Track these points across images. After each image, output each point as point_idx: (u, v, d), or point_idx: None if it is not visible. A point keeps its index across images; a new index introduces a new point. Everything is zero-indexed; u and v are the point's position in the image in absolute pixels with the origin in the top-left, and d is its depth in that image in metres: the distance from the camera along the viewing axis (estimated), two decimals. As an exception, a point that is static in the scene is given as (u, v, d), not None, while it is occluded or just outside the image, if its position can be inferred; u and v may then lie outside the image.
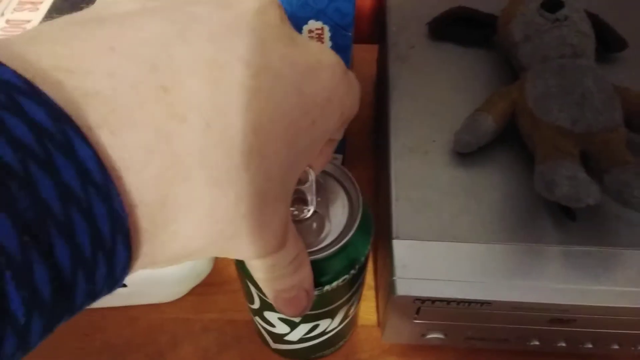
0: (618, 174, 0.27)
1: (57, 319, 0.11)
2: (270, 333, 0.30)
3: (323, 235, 0.23)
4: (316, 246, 0.22)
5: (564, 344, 0.31)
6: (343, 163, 0.41)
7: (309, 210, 0.23)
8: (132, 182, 0.12)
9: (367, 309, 0.36)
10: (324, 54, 0.16)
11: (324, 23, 0.30)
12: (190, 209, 0.13)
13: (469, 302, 0.27)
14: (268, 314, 0.27)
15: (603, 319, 0.28)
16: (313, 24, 0.30)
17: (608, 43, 0.36)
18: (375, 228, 0.38)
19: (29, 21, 0.39)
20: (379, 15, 0.46)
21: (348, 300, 0.27)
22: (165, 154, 0.12)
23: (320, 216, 0.24)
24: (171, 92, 0.12)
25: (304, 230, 0.23)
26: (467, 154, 0.32)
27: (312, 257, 0.22)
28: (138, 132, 0.12)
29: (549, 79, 0.30)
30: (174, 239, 0.13)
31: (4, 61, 0.11)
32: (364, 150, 0.45)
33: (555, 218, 0.30)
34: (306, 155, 0.16)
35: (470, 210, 0.30)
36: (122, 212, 0.12)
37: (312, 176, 0.22)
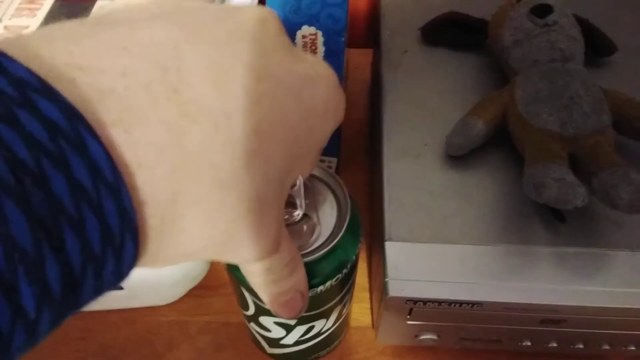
0: (606, 176, 0.27)
1: (65, 313, 0.11)
2: (265, 338, 0.30)
3: (313, 238, 0.23)
4: (307, 249, 0.23)
5: (555, 345, 0.32)
6: (338, 166, 0.42)
7: (298, 214, 0.24)
8: (142, 179, 0.12)
9: (362, 310, 0.36)
10: (320, 66, 0.17)
11: (317, 28, 0.31)
12: (196, 208, 0.13)
13: (461, 302, 0.28)
14: (263, 319, 0.28)
15: (593, 320, 0.29)
16: (306, 30, 0.31)
17: (598, 47, 0.36)
18: (368, 230, 0.38)
19: (26, 27, 0.39)
20: (373, 19, 0.46)
21: (341, 300, 0.27)
22: (175, 153, 0.13)
23: (310, 219, 0.24)
24: (181, 93, 0.13)
25: (295, 233, 0.24)
26: (458, 157, 0.33)
27: (304, 260, 0.22)
28: (150, 130, 0.12)
29: (538, 82, 0.31)
30: (179, 237, 0.14)
31: (18, 58, 0.11)
32: (358, 153, 0.45)
33: (545, 220, 0.30)
34: (302, 161, 0.17)
35: (461, 212, 0.30)
36: (132, 209, 0.12)
37: (299, 180, 0.22)
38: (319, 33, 0.31)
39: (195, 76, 0.13)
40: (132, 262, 0.13)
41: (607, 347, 0.31)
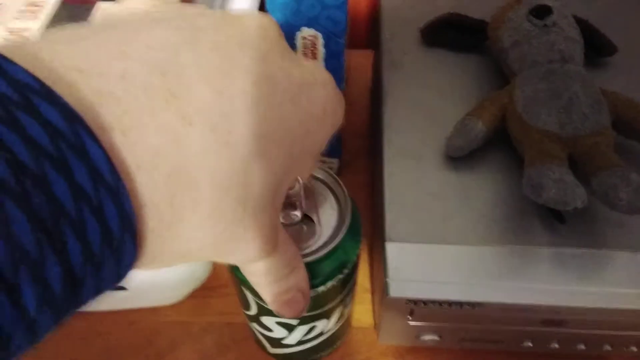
0: (605, 176, 0.27)
1: (65, 313, 0.11)
2: (268, 338, 0.30)
3: (314, 238, 0.24)
4: (308, 249, 0.23)
5: (556, 345, 0.32)
6: (339, 167, 0.42)
7: (297, 215, 0.24)
8: (142, 182, 0.12)
9: (364, 311, 0.37)
10: (318, 71, 0.17)
11: (317, 30, 0.31)
12: (195, 210, 0.14)
13: (461, 303, 0.28)
14: (265, 319, 0.28)
15: (594, 320, 0.29)
16: (306, 31, 0.31)
17: (597, 48, 0.36)
18: (369, 230, 0.38)
19: (28, 29, 0.39)
20: (374, 21, 0.46)
21: (342, 301, 0.28)
22: (174, 156, 0.13)
23: (311, 220, 0.24)
24: (179, 96, 0.13)
25: (295, 234, 0.24)
26: (458, 157, 0.33)
27: (305, 260, 0.22)
28: (149, 133, 0.12)
29: (538, 84, 0.31)
30: (177, 238, 0.14)
31: (18, 61, 0.11)
32: (360, 154, 0.45)
33: (545, 220, 0.30)
34: (299, 164, 0.17)
35: (461, 213, 0.31)
36: (131, 211, 0.12)
37: (299, 183, 0.23)
38: (319, 35, 0.31)
39: (194, 80, 0.13)
40: (131, 263, 0.13)
41: (608, 347, 0.31)
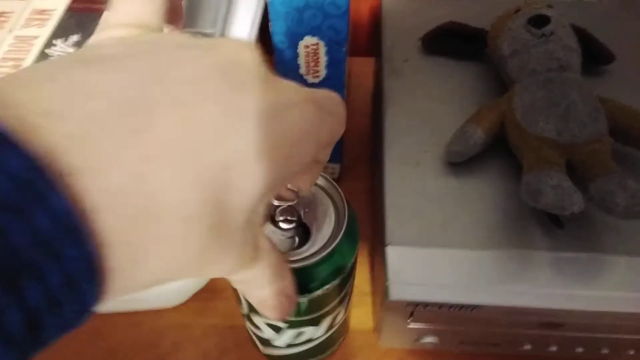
0: (602, 183, 0.28)
1: (30, 353, 0.11)
2: (259, 337, 0.31)
3: (310, 243, 0.24)
4: (304, 254, 0.23)
5: (555, 349, 0.32)
6: (340, 173, 0.42)
7: (294, 221, 0.24)
8: (105, 223, 0.12)
9: (364, 315, 0.37)
10: (296, 93, 0.17)
11: (320, 39, 0.32)
12: (162, 245, 0.14)
13: (460, 306, 0.28)
14: (255, 318, 0.28)
15: (592, 324, 0.29)
16: (309, 40, 0.32)
17: (595, 56, 0.37)
18: (369, 235, 0.39)
19: (36, 37, 0.40)
20: (375, 29, 0.47)
21: (333, 310, 0.28)
22: (139, 195, 0.13)
23: (308, 225, 0.25)
24: (145, 134, 0.13)
25: (292, 238, 0.24)
26: (458, 163, 0.33)
27: (301, 264, 0.23)
28: (113, 174, 0.12)
29: (536, 92, 0.32)
30: (147, 270, 0.14)
31: None
32: (361, 160, 0.46)
33: (543, 225, 0.31)
34: (278, 186, 0.17)
35: (461, 218, 0.31)
36: (94, 252, 0.12)
37: (299, 194, 0.23)
38: (321, 43, 0.32)
39: (161, 116, 0.13)
40: (95, 301, 0.13)
41: (606, 351, 0.32)
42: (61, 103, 0.12)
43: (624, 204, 0.27)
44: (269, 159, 0.15)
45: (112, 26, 0.17)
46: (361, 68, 0.51)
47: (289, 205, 0.24)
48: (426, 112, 0.37)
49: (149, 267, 0.14)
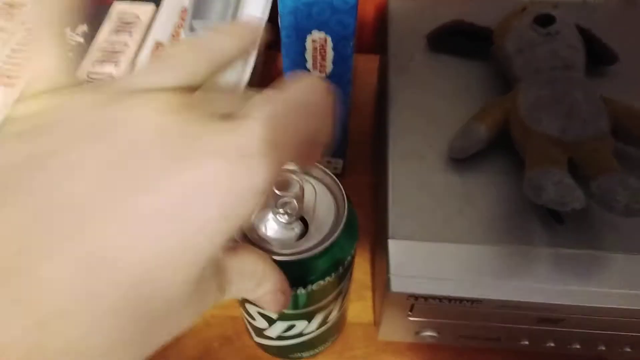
0: (604, 181, 0.28)
1: None
2: (252, 326, 0.31)
3: (309, 236, 0.24)
4: (302, 246, 0.24)
5: (552, 344, 0.33)
6: (344, 168, 0.43)
7: (295, 214, 0.24)
8: None
9: (364, 308, 0.37)
10: (214, 155, 0.14)
11: (327, 34, 0.32)
12: None
13: (461, 299, 0.29)
14: (249, 306, 0.28)
15: (589, 319, 0.30)
16: (316, 34, 0.32)
17: (599, 56, 0.37)
18: (371, 229, 0.39)
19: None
20: (381, 27, 0.47)
21: (327, 306, 0.28)
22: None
23: (308, 218, 0.25)
24: (34, 294, 0.12)
25: (292, 230, 0.25)
26: (461, 160, 0.34)
27: (299, 257, 0.23)
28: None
29: (540, 90, 0.32)
30: None
31: None
32: (364, 155, 0.46)
33: (544, 221, 0.31)
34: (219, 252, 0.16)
35: (463, 213, 0.31)
36: None
37: (297, 185, 0.24)
38: (329, 38, 0.32)
39: (51, 263, 0.13)
40: None
41: (602, 347, 0.32)
42: None
43: (624, 202, 0.27)
44: (185, 260, 0.14)
45: (28, 97, 0.16)
46: (365, 65, 0.52)
47: (290, 197, 0.24)
48: (431, 109, 0.37)
49: None
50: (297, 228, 0.25)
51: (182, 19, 0.39)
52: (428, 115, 0.37)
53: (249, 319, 0.30)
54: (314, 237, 0.24)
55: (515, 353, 0.34)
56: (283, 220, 0.24)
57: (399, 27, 0.43)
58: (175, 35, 0.38)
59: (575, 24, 0.35)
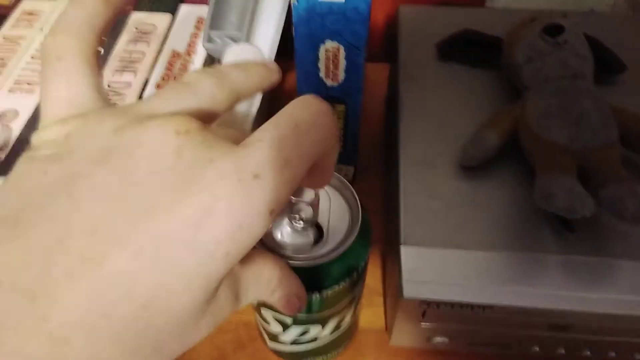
0: (613, 188, 0.28)
1: None
2: (266, 331, 0.32)
3: (324, 242, 0.25)
4: (317, 252, 0.24)
5: (563, 351, 0.33)
6: (354, 174, 0.43)
7: (310, 220, 0.25)
8: None
9: (375, 314, 0.38)
10: (215, 186, 0.14)
11: (339, 43, 0.33)
12: None
13: (473, 305, 0.29)
14: (264, 311, 0.29)
15: (600, 326, 0.30)
16: (329, 44, 0.33)
17: (607, 65, 0.38)
18: (382, 236, 0.39)
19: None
20: (391, 35, 0.48)
21: (341, 311, 0.28)
22: None
23: (322, 225, 0.25)
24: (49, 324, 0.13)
25: (306, 236, 0.25)
26: (472, 167, 0.34)
27: (313, 263, 0.23)
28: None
29: (549, 99, 0.32)
30: None
31: None
32: (374, 162, 0.47)
33: (554, 229, 0.31)
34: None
35: (474, 220, 0.32)
36: None
37: (312, 192, 0.24)
38: (341, 47, 0.33)
39: (64, 289, 0.13)
40: None
41: (613, 354, 0.32)
42: None
43: (633, 210, 0.27)
44: (197, 283, 0.15)
45: (45, 127, 0.17)
46: (374, 73, 0.52)
47: (305, 204, 0.25)
48: (441, 117, 0.38)
49: None
50: (312, 234, 0.25)
51: (198, 29, 0.40)
52: (438, 123, 0.37)
53: (264, 324, 0.31)
54: (329, 243, 0.25)
55: None
56: (298, 226, 0.25)
57: (409, 36, 0.44)
58: (191, 45, 0.39)
59: (583, 33, 0.36)
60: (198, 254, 0.14)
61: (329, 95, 0.36)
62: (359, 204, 0.26)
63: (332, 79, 0.35)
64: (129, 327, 0.14)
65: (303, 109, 0.17)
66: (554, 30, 0.35)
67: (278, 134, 0.16)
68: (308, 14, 0.31)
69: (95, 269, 0.13)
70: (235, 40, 0.35)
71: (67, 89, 0.17)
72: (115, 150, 0.15)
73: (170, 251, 0.14)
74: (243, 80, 0.19)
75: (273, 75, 0.20)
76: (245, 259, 0.18)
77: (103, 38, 0.20)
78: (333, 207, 0.26)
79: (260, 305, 0.29)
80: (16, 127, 0.35)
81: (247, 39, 0.36)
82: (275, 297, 0.20)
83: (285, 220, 0.25)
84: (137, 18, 0.41)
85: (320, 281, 0.25)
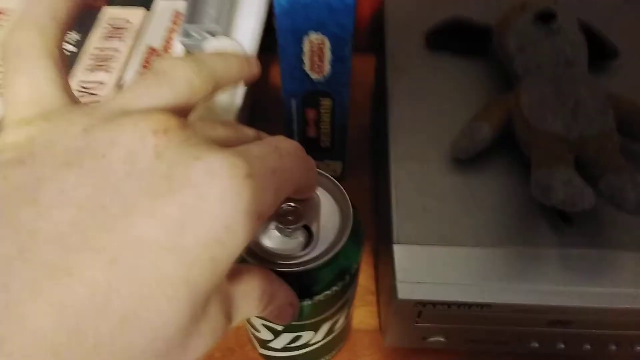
0: (612, 178, 0.28)
1: None
2: (256, 338, 0.31)
3: (313, 245, 0.23)
4: (307, 257, 0.23)
5: (562, 346, 0.32)
6: (343, 170, 0.42)
7: (299, 222, 0.23)
8: None
9: (369, 313, 0.37)
10: (200, 203, 0.13)
11: (324, 35, 0.31)
12: None
13: (470, 304, 0.28)
14: (253, 319, 0.28)
15: (600, 320, 0.29)
16: (314, 36, 0.31)
17: (601, 51, 0.37)
18: (373, 234, 0.38)
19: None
20: (377, 25, 0.47)
21: (333, 315, 0.27)
22: None
23: (312, 227, 0.24)
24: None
25: (296, 239, 0.24)
26: (464, 160, 0.33)
27: (304, 268, 0.22)
28: None
29: (543, 87, 0.31)
30: None
31: None
32: (362, 158, 0.45)
33: (552, 222, 0.30)
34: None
35: (469, 215, 0.31)
36: None
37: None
38: (326, 39, 0.32)
39: (35, 302, 0.12)
40: None
41: (613, 347, 0.32)
42: None
43: (634, 199, 0.27)
44: (183, 292, 0.13)
45: (7, 128, 0.16)
46: (360, 65, 0.51)
47: (293, 206, 0.24)
48: (431, 109, 0.36)
49: None
50: (301, 236, 0.24)
51: (175, 23, 0.38)
52: (428, 115, 0.36)
53: (254, 332, 0.30)
54: (319, 246, 0.23)
55: (525, 356, 0.34)
56: (286, 229, 0.24)
57: (396, 26, 0.42)
58: (168, 41, 0.37)
59: (577, 18, 0.35)
60: (181, 260, 0.13)
61: (315, 90, 0.35)
62: (349, 203, 0.24)
63: (317, 73, 0.34)
64: (103, 347, 0.12)
65: (279, 141, 0.17)
66: (546, 16, 0.34)
67: (262, 149, 0.15)
68: (290, 5, 0.30)
69: (62, 280, 0.12)
70: (214, 34, 0.33)
71: (30, 88, 0.16)
72: (86, 151, 0.14)
73: (149, 257, 0.13)
74: (222, 67, 0.18)
75: (252, 68, 0.20)
76: (234, 276, 0.17)
77: (68, 32, 0.18)
78: (322, 207, 0.25)
79: None
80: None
81: (227, 32, 0.34)
82: (267, 311, 0.19)
83: (273, 225, 0.24)
84: (110, 13, 0.39)
85: (311, 286, 0.24)
